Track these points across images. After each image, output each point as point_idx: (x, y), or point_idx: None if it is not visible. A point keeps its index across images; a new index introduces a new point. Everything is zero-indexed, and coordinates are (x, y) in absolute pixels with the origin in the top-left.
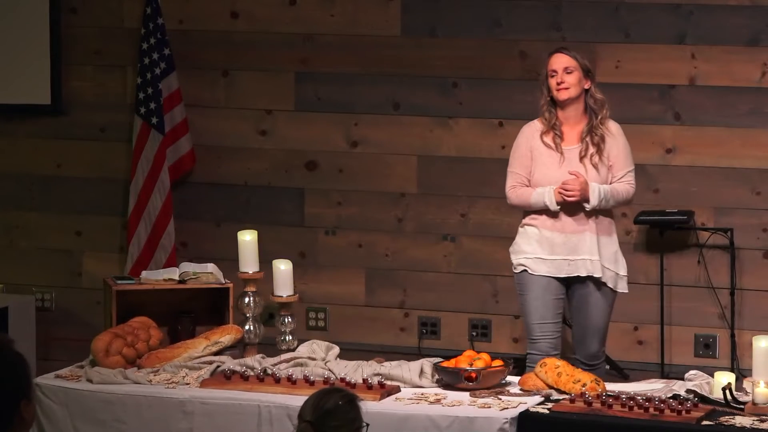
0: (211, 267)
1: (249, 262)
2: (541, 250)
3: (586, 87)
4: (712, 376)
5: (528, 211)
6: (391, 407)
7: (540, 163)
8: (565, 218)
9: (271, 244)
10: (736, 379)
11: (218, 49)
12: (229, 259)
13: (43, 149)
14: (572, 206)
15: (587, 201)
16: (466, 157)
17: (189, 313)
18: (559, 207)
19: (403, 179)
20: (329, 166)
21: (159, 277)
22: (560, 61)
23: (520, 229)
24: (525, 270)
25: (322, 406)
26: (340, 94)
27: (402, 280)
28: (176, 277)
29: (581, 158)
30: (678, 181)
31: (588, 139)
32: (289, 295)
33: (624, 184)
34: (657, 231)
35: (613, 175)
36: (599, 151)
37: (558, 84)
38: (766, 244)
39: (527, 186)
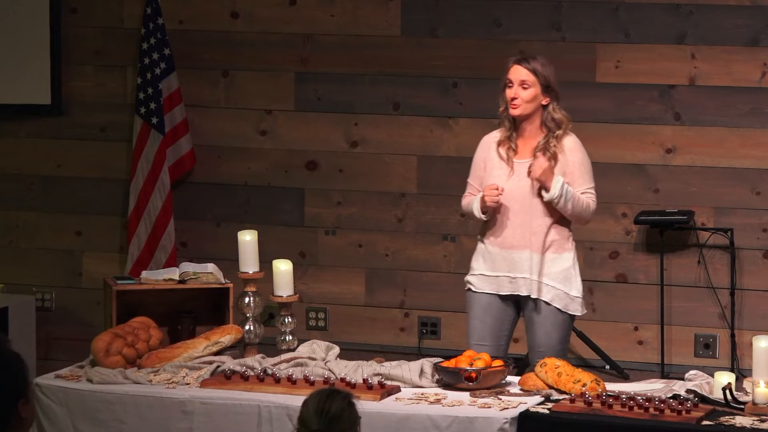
0: (211, 267)
1: (249, 262)
2: (485, 266)
3: (544, 103)
4: (712, 376)
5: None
6: (391, 407)
7: (490, 175)
8: (506, 232)
9: (271, 244)
10: (736, 379)
11: (218, 49)
12: (229, 259)
13: (43, 149)
14: (514, 220)
15: (547, 189)
16: (466, 157)
17: (189, 313)
18: (485, 216)
19: (403, 179)
20: (329, 166)
21: (159, 277)
22: (517, 74)
23: None
24: (469, 288)
25: (326, 411)
26: (340, 94)
27: (402, 280)
28: (176, 277)
29: (529, 173)
30: (678, 181)
31: (539, 154)
32: (289, 295)
33: (586, 196)
34: (657, 231)
35: None
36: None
37: (511, 99)
38: (766, 244)
39: None
